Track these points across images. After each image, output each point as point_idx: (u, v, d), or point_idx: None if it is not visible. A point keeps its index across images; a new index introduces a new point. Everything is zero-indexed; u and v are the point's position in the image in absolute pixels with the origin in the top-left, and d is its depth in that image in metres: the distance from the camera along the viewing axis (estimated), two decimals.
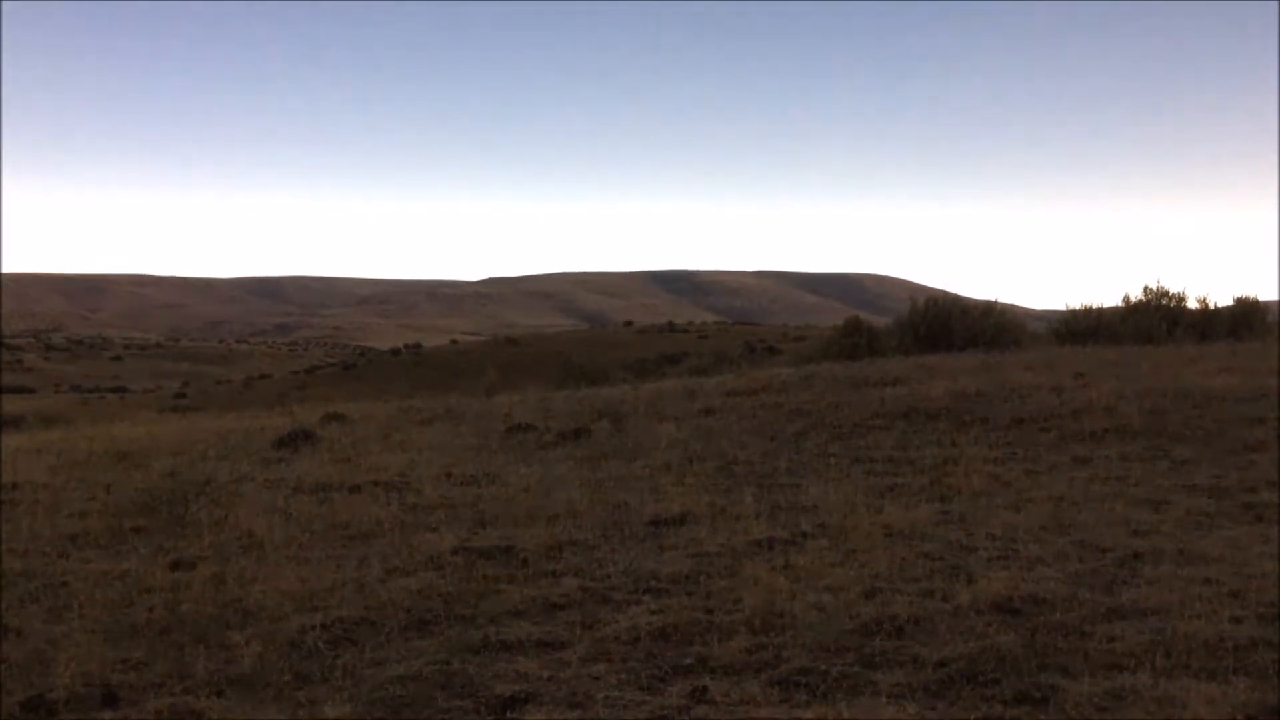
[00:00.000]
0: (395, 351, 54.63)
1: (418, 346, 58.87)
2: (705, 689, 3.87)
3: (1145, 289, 21.24)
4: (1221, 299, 21.55)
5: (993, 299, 22.52)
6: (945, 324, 20.16)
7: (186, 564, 5.93)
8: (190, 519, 7.11)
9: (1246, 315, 20.61)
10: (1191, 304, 21.09)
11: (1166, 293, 21.14)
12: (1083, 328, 20.01)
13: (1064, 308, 22.05)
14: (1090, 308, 21.48)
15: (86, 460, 10.23)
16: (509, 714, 3.77)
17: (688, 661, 4.16)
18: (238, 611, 4.99)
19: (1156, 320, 19.60)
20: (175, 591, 5.28)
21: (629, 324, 66.54)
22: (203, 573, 5.62)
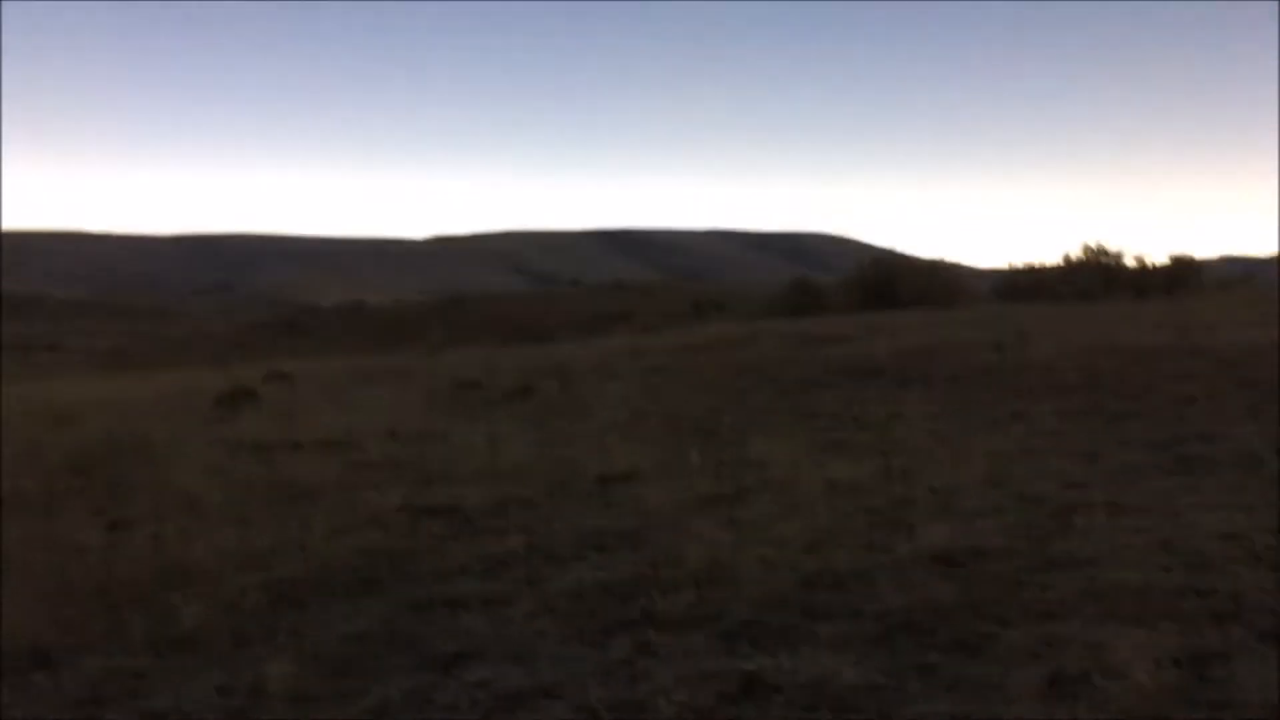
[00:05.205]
0: (339, 310, 53.93)
1: (362, 305, 58.16)
2: (649, 643, 3.90)
3: (1085, 248, 21.67)
4: (1158, 257, 22.02)
5: (938, 258, 22.82)
6: (890, 283, 20.39)
7: (123, 525, 5.83)
8: (127, 480, 6.99)
9: (1181, 273, 21.09)
10: (1129, 262, 21.53)
11: (1105, 252, 21.56)
12: (1024, 286, 20.35)
13: (1006, 267, 22.42)
14: (1032, 267, 21.86)
15: (19, 420, 10.00)
16: (454, 670, 3.77)
17: (633, 616, 4.19)
18: (177, 572, 4.92)
19: (1095, 279, 20.00)
20: (112, 553, 5.19)
21: (576, 283, 66.25)
22: (140, 534, 5.54)
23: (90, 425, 9.35)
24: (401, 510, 5.89)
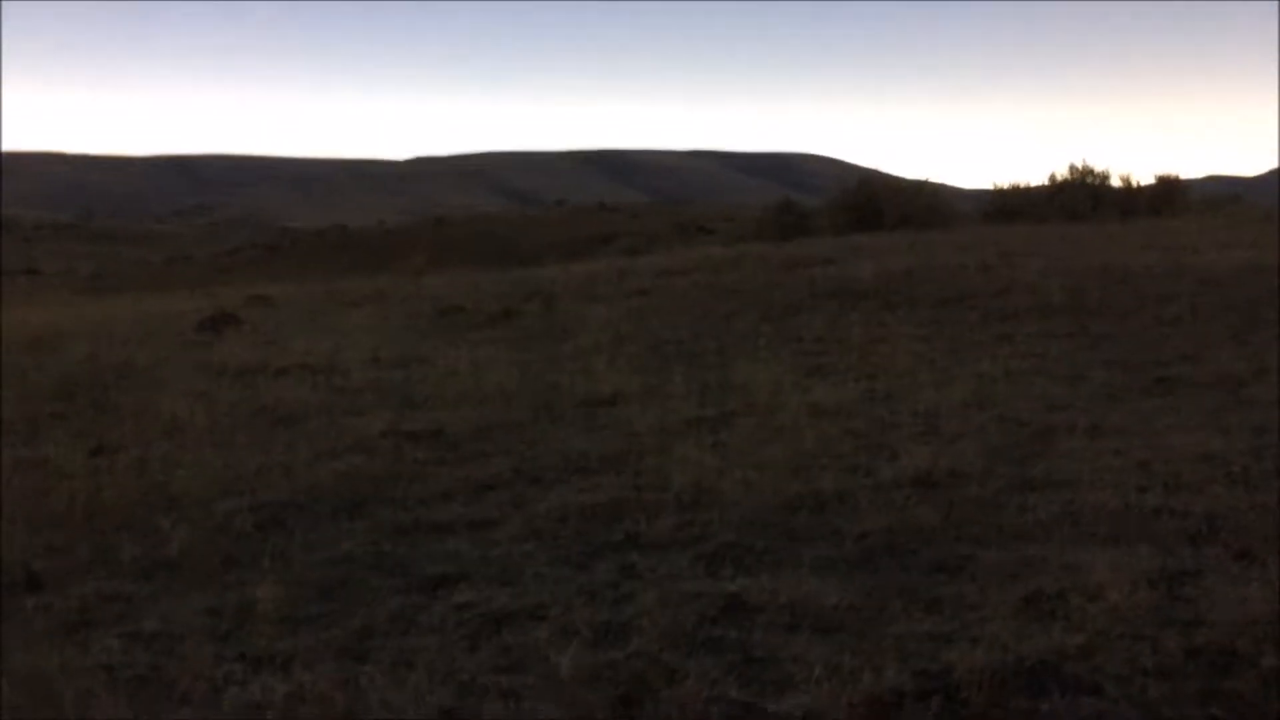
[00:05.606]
0: (320, 233, 53.26)
1: (344, 227, 57.47)
2: (633, 565, 3.95)
3: (1071, 168, 21.49)
4: (1145, 177, 21.91)
5: (923, 179, 22.68)
6: (876, 204, 20.25)
7: (108, 450, 5.82)
8: (110, 405, 6.97)
9: (1167, 193, 21.02)
10: (1115, 182, 21.42)
11: (1091, 171, 21.42)
12: (1010, 207, 20.27)
13: (992, 187, 22.29)
14: (1018, 187, 21.74)
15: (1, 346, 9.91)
16: (440, 592, 3.81)
17: (617, 539, 4.23)
18: (162, 497, 4.93)
19: (1081, 199, 19.91)
20: (97, 478, 5.19)
21: (560, 204, 65.59)
22: (125, 459, 5.54)
23: (72, 350, 9.28)
24: (386, 434, 5.90)
